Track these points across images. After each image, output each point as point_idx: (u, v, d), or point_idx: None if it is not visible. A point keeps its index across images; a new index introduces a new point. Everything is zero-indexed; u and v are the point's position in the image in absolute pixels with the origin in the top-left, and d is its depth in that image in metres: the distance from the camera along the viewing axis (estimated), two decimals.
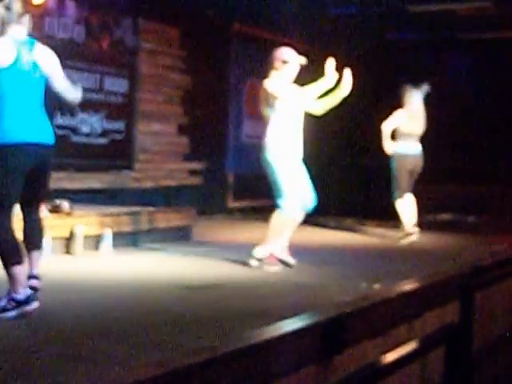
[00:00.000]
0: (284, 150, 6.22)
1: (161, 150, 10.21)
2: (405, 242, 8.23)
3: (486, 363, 5.79)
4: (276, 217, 6.23)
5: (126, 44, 9.45)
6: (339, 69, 6.42)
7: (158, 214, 7.70)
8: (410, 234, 8.30)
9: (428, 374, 4.89)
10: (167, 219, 7.74)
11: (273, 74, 6.27)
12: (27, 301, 4.15)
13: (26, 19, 4.30)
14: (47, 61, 4.34)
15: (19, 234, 4.32)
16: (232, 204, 11.39)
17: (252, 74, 11.83)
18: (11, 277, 4.17)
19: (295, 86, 6.37)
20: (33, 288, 4.21)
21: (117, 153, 9.42)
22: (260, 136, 10.64)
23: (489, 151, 12.03)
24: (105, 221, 6.96)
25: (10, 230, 4.23)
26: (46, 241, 6.22)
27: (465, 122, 12.16)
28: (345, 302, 4.56)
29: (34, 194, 4.38)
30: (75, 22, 8.66)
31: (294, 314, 4.12)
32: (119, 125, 9.41)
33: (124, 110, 9.47)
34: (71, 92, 4.50)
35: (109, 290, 5.01)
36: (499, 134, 12.02)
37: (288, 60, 6.26)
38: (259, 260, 6.18)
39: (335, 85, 6.44)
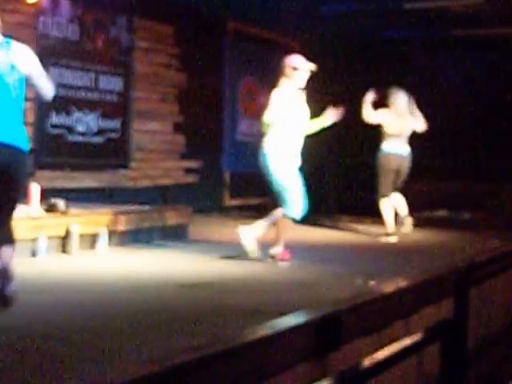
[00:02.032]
0: (283, 157, 6.42)
1: (156, 149, 10.20)
2: (383, 240, 8.27)
3: (481, 358, 5.81)
4: (282, 219, 6.50)
5: (121, 42, 9.44)
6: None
7: (154, 213, 7.70)
8: (390, 235, 8.32)
9: (424, 370, 4.90)
10: (163, 218, 7.74)
11: (284, 81, 6.47)
12: None
13: None
14: (24, 60, 4.24)
15: None
16: (228, 202, 11.39)
17: (247, 72, 11.84)
18: None
19: (303, 94, 6.55)
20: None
21: (112, 152, 9.42)
22: (255, 134, 10.65)
23: (484, 148, 12.03)
24: (100, 220, 6.96)
25: None
26: (42, 240, 6.25)
27: (459, 119, 12.16)
28: (340, 299, 4.57)
29: None
30: (69, 21, 8.65)
31: (289, 311, 4.13)
32: (115, 123, 9.41)
33: (119, 108, 9.46)
34: (47, 90, 4.37)
35: (104, 289, 5.02)
36: (494, 131, 12.02)
37: (298, 66, 6.45)
38: (272, 257, 6.43)
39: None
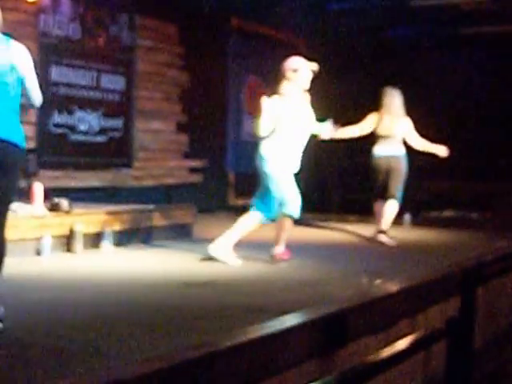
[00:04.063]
0: (279, 160, 6.24)
1: (160, 148, 10.18)
2: (376, 238, 8.04)
3: (487, 357, 5.77)
4: (282, 219, 6.30)
5: (123, 41, 9.42)
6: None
7: (158, 212, 7.66)
8: (382, 232, 8.10)
9: (431, 368, 4.86)
10: (167, 217, 7.71)
11: (286, 85, 6.28)
12: None
13: None
14: (23, 60, 4.11)
15: None
16: (233, 201, 11.35)
17: (251, 71, 11.80)
18: None
19: (307, 96, 6.40)
20: None
21: (116, 151, 9.39)
22: None
23: (493, 147, 11.95)
24: (104, 219, 6.92)
25: None
26: (46, 239, 6.22)
27: (468, 118, 12.09)
28: (346, 298, 4.54)
29: None
30: (71, 19, 8.62)
31: (295, 309, 4.10)
32: (117, 123, 9.38)
33: (122, 107, 9.44)
34: (37, 95, 4.23)
35: (109, 288, 4.99)
36: (504, 130, 11.93)
37: (298, 68, 6.27)
38: (271, 256, 6.31)
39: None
